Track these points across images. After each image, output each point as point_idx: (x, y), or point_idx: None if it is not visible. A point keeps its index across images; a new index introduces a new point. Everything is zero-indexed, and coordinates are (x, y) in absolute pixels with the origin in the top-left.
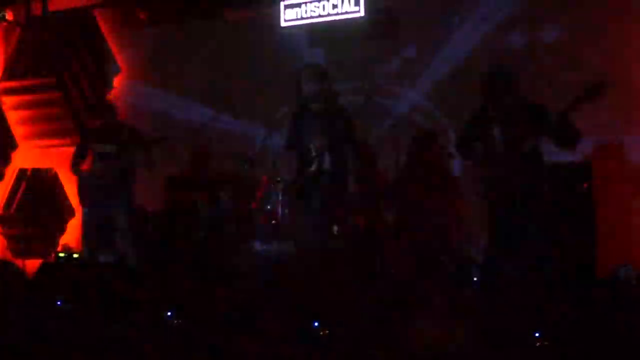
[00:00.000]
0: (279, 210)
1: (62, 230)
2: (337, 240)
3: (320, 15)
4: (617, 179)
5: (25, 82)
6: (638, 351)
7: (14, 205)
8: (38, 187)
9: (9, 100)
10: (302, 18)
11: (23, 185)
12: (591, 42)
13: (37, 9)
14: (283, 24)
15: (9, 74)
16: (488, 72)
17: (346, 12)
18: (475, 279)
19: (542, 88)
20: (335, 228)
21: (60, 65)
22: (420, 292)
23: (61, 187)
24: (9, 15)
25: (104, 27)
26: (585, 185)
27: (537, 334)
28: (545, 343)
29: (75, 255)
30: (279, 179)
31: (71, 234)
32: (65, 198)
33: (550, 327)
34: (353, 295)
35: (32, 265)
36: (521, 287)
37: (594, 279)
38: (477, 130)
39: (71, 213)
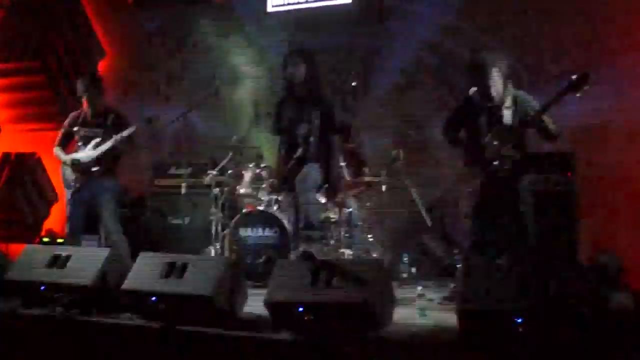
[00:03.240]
0: (265, 196)
1: (46, 214)
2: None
3: (307, 1)
4: (600, 167)
5: (9, 65)
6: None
7: None
8: (22, 171)
9: None
10: (288, 4)
11: (6, 169)
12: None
13: None
14: (270, 9)
15: None
16: (473, 60)
17: None
18: (458, 265)
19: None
20: (319, 214)
21: (44, 48)
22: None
23: (45, 171)
24: None
25: (89, 11)
26: (569, 173)
27: (519, 320)
28: (528, 328)
29: (59, 240)
30: (263, 164)
31: (55, 219)
32: (49, 182)
33: (533, 313)
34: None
35: (15, 250)
36: (503, 272)
37: (576, 265)
38: (463, 117)
39: (55, 198)
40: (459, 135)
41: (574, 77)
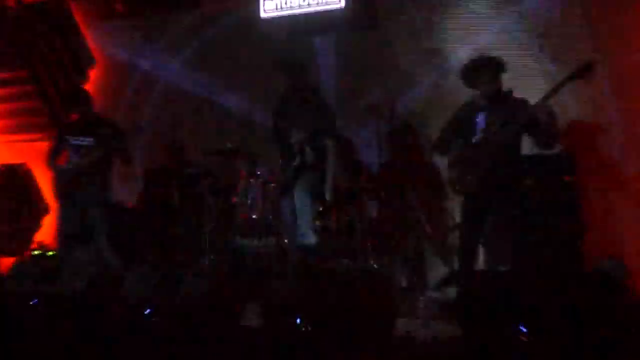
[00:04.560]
0: (260, 204)
1: (36, 227)
2: (318, 235)
3: (300, 6)
4: (602, 169)
5: None
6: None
7: None
8: (11, 183)
9: None
10: (281, 9)
11: None
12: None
13: (9, 0)
14: (263, 15)
15: None
16: (474, 61)
17: (326, 4)
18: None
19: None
20: (317, 223)
21: (34, 57)
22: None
23: (36, 182)
24: None
25: (78, 19)
26: (567, 178)
27: (522, 329)
28: (531, 338)
29: (50, 253)
30: (258, 172)
31: (46, 232)
32: (40, 194)
33: (536, 321)
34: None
35: (6, 263)
36: (502, 281)
37: (580, 272)
38: (460, 121)
39: (46, 210)
40: (450, 143)
41: (574, 68)
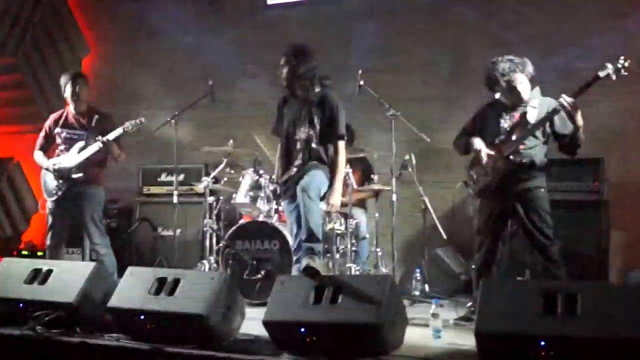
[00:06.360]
0: (264, 206)
1: (25, 226)
2: (326, 240)
3: None
4: (634, 173)
5: None
6: None
7: None
8: None
9: None
10: None
11: None
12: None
13: None
14: (270, 1)
15: None
16: (496, 67)
17: None
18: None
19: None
20: (326, 226)
21: (23, 44)
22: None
23: (24, 178)
24: None
25: (72, 2)
26: (596, 182)
27: (542, 343)
28: (551, 353)
29: (39, 254)
30: (262, 171)
31: (35, 230)
32: (29, 190)
33: (556, 335)
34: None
35: None
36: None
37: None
38: (483, 121)
39: (35, 207)
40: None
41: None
